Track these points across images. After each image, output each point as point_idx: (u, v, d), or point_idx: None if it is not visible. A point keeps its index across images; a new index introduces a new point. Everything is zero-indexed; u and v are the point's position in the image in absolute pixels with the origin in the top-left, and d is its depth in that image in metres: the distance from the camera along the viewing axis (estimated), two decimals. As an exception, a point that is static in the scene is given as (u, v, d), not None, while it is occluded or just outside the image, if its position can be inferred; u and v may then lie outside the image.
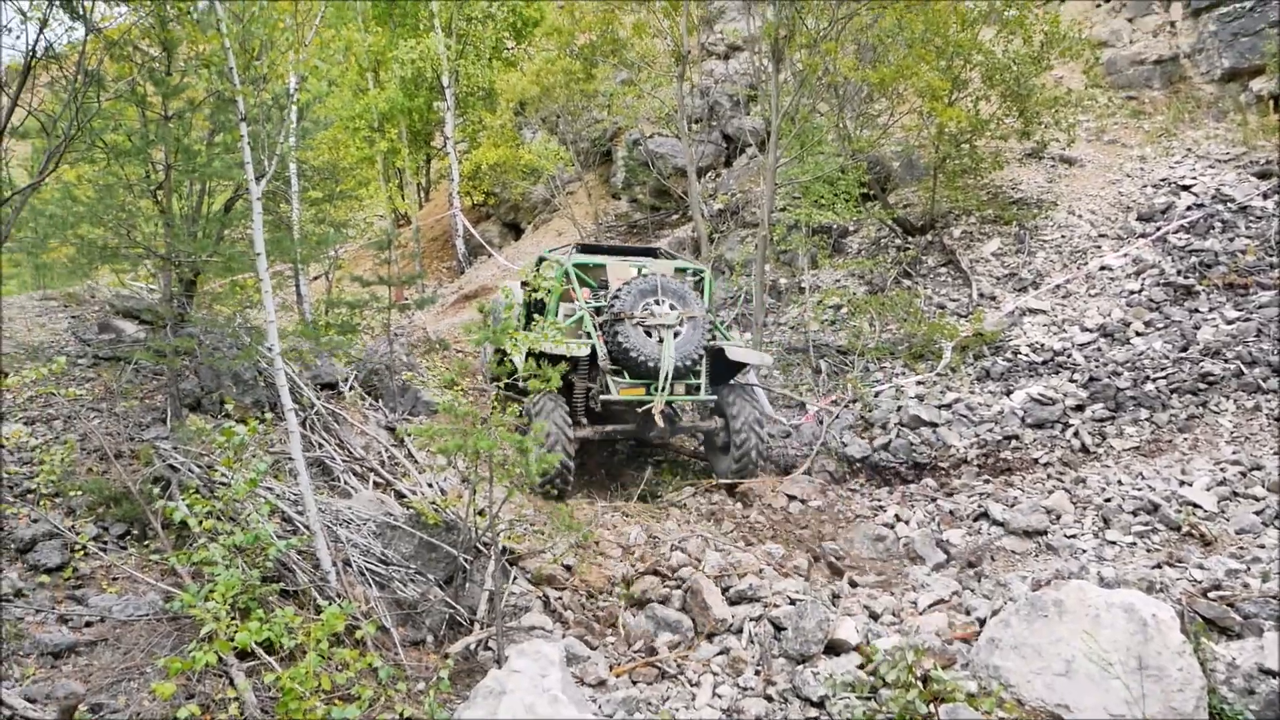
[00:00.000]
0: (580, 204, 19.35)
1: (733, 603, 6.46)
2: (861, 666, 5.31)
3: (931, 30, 12.64)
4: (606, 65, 16.33)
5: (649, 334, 8.71)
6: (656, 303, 8.83)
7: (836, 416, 10.50)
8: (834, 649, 5.67)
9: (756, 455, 9.18)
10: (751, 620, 6.15)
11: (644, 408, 8.69)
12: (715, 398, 9.22)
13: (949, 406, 10.30)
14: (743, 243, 14.40)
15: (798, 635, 5.71)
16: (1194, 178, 13.43)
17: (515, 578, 6.51)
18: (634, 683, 5.62)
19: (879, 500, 9.11)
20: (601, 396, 8.68)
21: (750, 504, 8.87)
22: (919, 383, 10.85)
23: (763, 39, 12.86)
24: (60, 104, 5.46)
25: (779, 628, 5.92)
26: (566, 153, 18.04)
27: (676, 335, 8.79)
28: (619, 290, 8.88)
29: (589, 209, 18.67)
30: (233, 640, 4.43)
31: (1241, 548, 7.13)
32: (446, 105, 19.44)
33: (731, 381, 9.71)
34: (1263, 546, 7.04)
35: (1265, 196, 12.58)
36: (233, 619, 4.61)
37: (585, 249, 9.92)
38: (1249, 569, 6.31)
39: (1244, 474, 8.23)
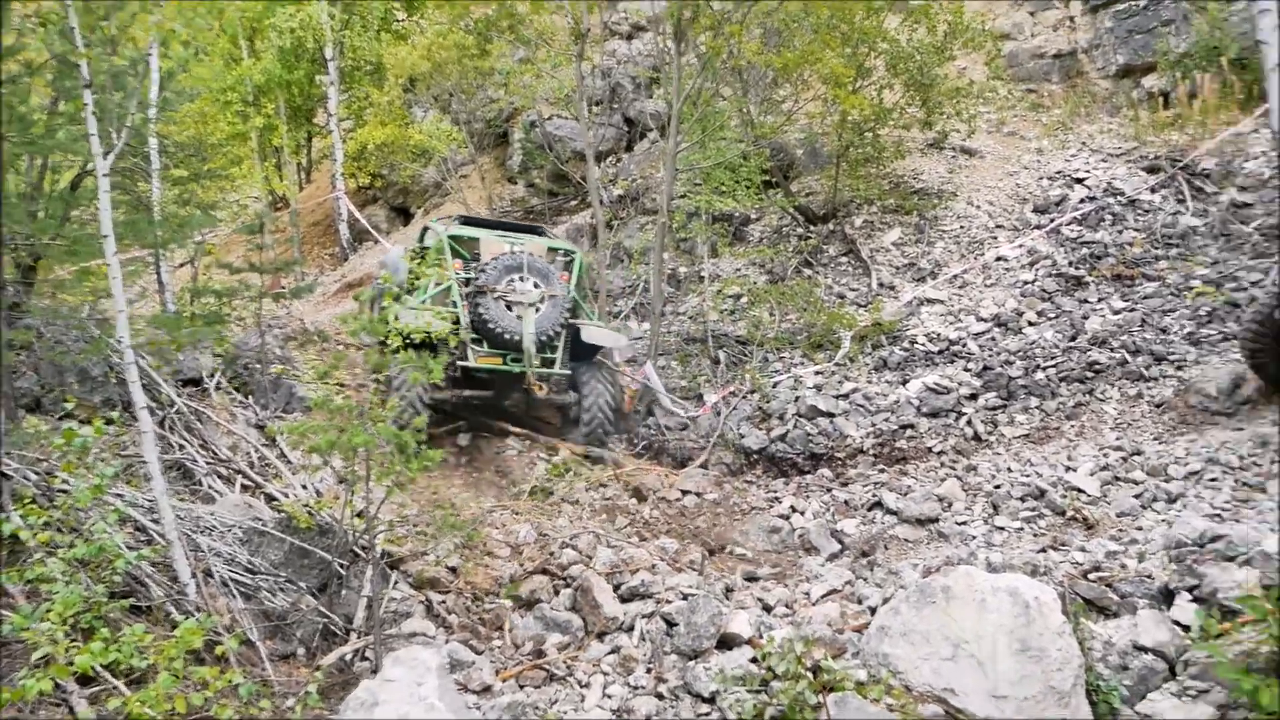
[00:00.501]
0: (474, 188, 19.04)
1: (625, 600, 6.43)
2: (754, 660, 5.34)
3: (837, 17, 12.81)
4: (502, 41, 16.08)
5: (509, 308, 9.51)
6: (520, 279, 9.60)
7: (734, 408, 10.59)
8: (727, 643, 5.70)
9: (602, 431, 9.97)
10: (643, 617, 6.14)
11: (521, 380, 9.58)
12: (569, 373, 10.01)
13: (846, 396, 10.50)
14: (642, 230, 14.40)
15: (690, 631, 5.71)
16: (1087, 171, 13.98)
17: (396, 582, 6.35)
18: (521, 686, 5.54)
19: (775, 492, 9.23)
20: (460, 363, 9.34)
21: (645, 499, 8.88)
22: (817, 373, 11.02)
23: (666, 19, 12.83)
24: None
25: (671, 624, 5.91)
26: (459, 133, 17.72)
27: (537, 311, 9.60)
28: (485, 265, 9.67)
29: (483, 193, 18.40)
30: (72, 664, 4.16)
31: (1121, 530, 7.47)
32: (330, 79, 18.81)
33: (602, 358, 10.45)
34: (1140, 528, 7.40)
35: (1153, 191, 13.18)
36: (73, 640, 4.33)
37: (467, 221, 10.66)
38: (1127, 550, 6.63)
39: (1125, 459, 8.63)
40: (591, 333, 9.99)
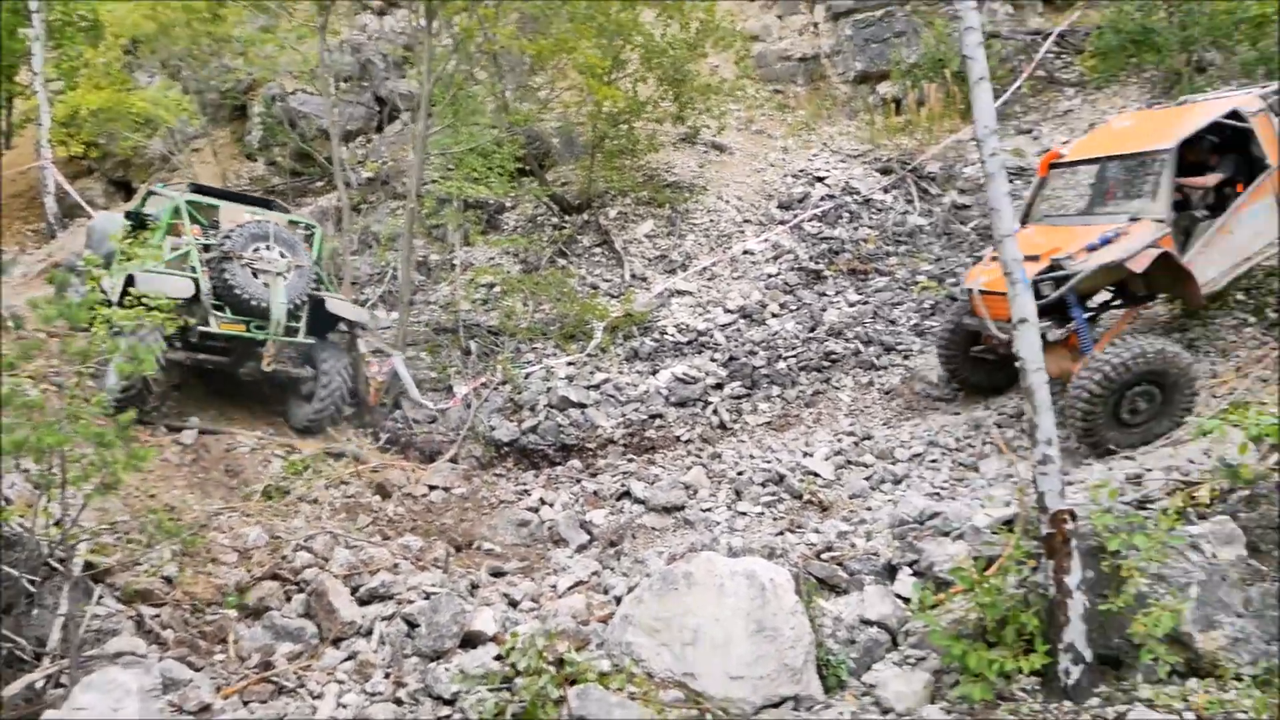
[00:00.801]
0: (207, 163, 17.79)
1: (363, 602, 6.28)
2: (498, 657, 5.33)
3: (594, 7, 12.99)
4: (238, 6, 15.12)
5: (255, 275, 9.51)
6: (267, 248, 9.62)
7: (485, 400, 10.55)
8: (471, 642, 5.68)
9: (336, 410, 10.01)
10: (383, 619, 6.03)
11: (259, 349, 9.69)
12: (312, 342, 10.05)
13: (598, 387, 10.72)
14: (392, 215, 14.03)
15: (431, 631, 5.66)
16: (828, 170, 14.97)
17: (100, 597, 5.84)
18: (245, 703, 5.28)
19: (525, 484, 9.30)
20: (200, 328, 9.20)
21: (390, 495, 8.69)
22: (570, 363, 11.18)
23: (417, -5, 12.56)
24: None
25: (413, 625, 5.83)
26: (190, 103, 16.49)
27: (284, 280, 9.68)
28: (230, 231, 9.60)
29: (217, 169, 17.25)
30: None
31: (852, 511, 8.08)
32: (34, 33, 16.95)
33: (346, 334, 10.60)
34: (869, 509, 8.03)
35: (885, 191, 14.32)
36: None
37: (198, 189, 10.57)
38: (856, 530, 7.14)
39: (857, 444, 9.35)
40: (336, 304, 10.09)
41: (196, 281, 9.26)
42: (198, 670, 5.53)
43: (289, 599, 6.41)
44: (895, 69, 16.48)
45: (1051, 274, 8.01)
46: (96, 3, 17.32)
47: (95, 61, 16.86)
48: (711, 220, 13.97)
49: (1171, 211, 8.13)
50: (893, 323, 11.36)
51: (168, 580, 6.26)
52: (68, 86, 18.29)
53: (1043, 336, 8.01)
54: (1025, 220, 9.30)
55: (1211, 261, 8.32)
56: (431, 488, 8.97)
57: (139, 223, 10.18)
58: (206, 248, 9.65)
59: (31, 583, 5.41)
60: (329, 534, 7.24)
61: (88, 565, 5.92)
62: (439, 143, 12.65)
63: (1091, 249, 8.04)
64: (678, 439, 10.00)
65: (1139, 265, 7.85)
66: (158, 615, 5.95)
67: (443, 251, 13.58)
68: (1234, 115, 8.40)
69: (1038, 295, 7.86)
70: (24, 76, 19.84)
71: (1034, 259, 8.10)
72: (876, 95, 16.94)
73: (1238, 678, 4.59)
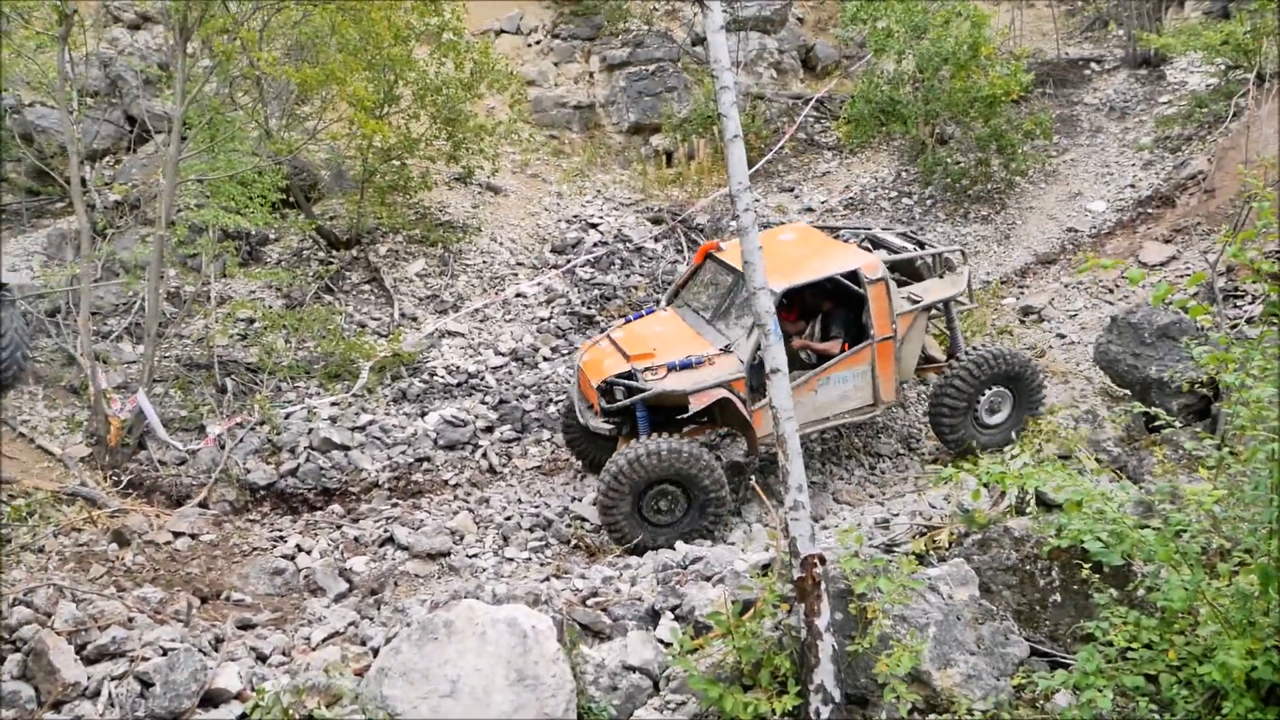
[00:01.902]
0: (-75, 176, 16.16)
1: (90, 661, 5.84)
2: (243, 716, 5.18)
3: (366, 40, 12.86)
4: (-39, 9, 13.86)
5: None
6: None
7: (241, 440, 10.10)
8: (212, 700, 5.42)
9: (16, 371, 10.10)
10: (113, 679, 5.62)
11: None
12: None
13: (363, 429, 10.52)
14: (141, 241, 13.20)
15: (167, 690, 5.36)
16: (601, 217, 15.46)
17: None
18: (-52, 778, 4.82)
19: (281, 530, 8.95)
20: None
21: (129, 543, 8.15)
22: (334, 404, 10.90)
23: (172, 14, 11.97)
24: None
25: (147, 684, 5.50)
26: (-97, 110, 14.93)
27: None
28: None
29: (-65, 185, 15.68)
30: None
31: (619, 555, 8.30)
32: None
33: None
34: (637, 555, 8.27)
35: (656, 240, 14.94)
36: None
37: None
38: (621, 575, 7.26)
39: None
40: None
41: None
42: (-112, 744, 5.00)
43: (2, 660, 5.88)
44: (667, 122, 17.28)
45: (624, 382, 8.61)
46: None
47: None
48: (485, 261, 14.08)
49: (754, 355, 8.42)
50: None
51: None
52: None
53: (612, 435, 8.95)
54: (671, 300, 10.01)
55: None
56: (177, 534, 8.48)
57: None
58: None
59: None
60: (54, 587, 6.68)
61: None
62: (194, 168, 12.05)
63: (671, 368, 8.57)
64: (445, 483, 9.95)
65: (697, 403, 8.39)
66: None
67: (197, 283, 12.93)
68: (853, 276, 8.71)
69: (610, 398, 8.69)
70: None
71: (625, 357, 8.83)
72: (649, 146, 17.67)
73: (970, 712, 4.83)
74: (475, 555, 8.55)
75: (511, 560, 8.47)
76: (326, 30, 12.65)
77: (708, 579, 6.44)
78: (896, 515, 7.66)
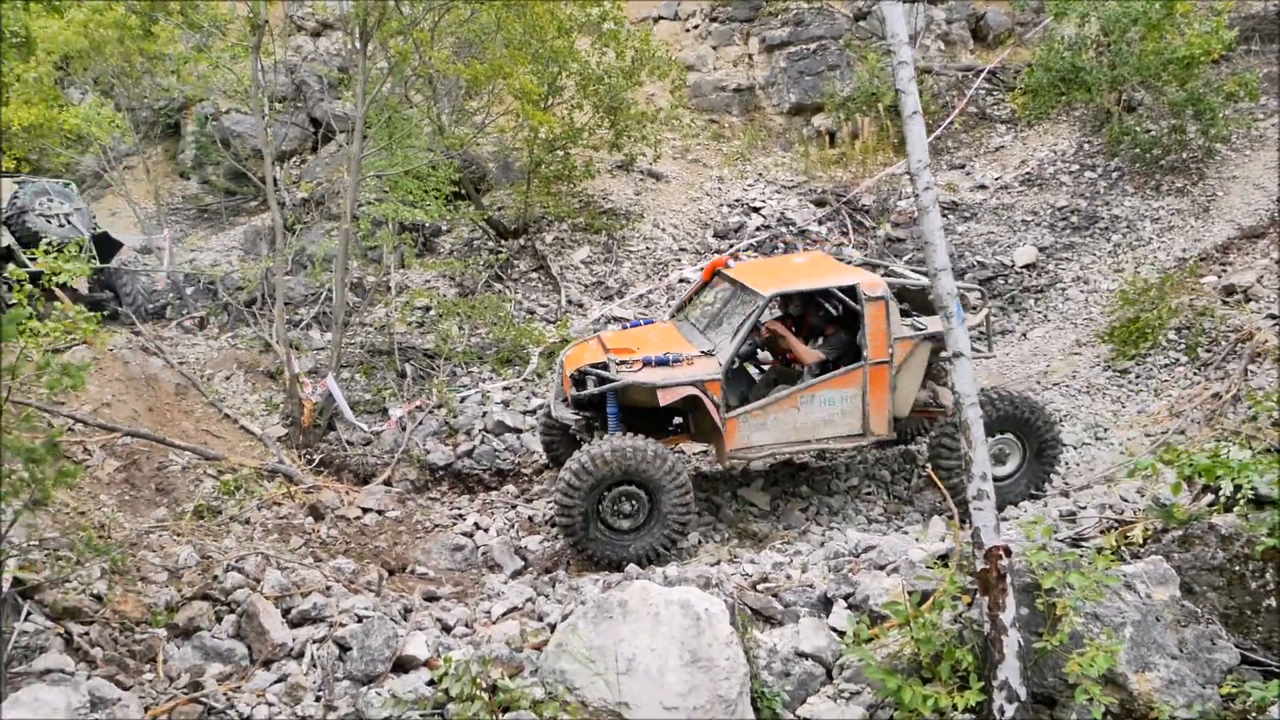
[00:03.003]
0: (139, 181, 17.70)
1: (294, 624, 6.32)
2: (431, 682, 5.41)
3: (530, 34, 13.27)
4: (171, 25, 15.09)
5: (49, 221, 11.99)
6: (49, 198, 12.33)
7: (420, 423, 10.66)
8: (403, 666, 5.73)
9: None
10: (314, 642, 6.05)
11: None
12: (111, 265, 12.19)
13: (534, 413, 10.88)
14: (327, 236, 14.07)
15: (363, 655, 5.71)
16: (763, 201, 15.41)
17: (28, 614, 5.87)
18: (173, 723, 5.34)
19: (459, 509, 9.38)
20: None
21: (323, 517, 8.75)
22: (505, 388, 11.34)
23: (352, 20, 12.69)
24: None
25: (344, 648, 5.88)
26: (123, 121, 16.41)
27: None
28: (15, 194, 11.97)
29: (149, 186, 17.15)
30: None
31: (787, 542, 8.31)
32: (-36, 49, 16.78)
33: None
34: (806, 541, 8.28)
35: (820, 223, 14.80)
36: None
37: None
38: (791, 561, 7.27)
39: (793, 475, 9.59)
40: (111, 236, 12.80)
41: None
42: (126, 689, 5.55)
43: (219, 620, 6.43)
44: (829, 102, 17.03)
45: (597, 371, 8.25)
46: (29, 19, 17.16)
47: (26, 77, 16.69)
48: (648, 247, 14.28)
49: (735, 358, 8.26)
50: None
51: (97, 598, 6.29)
52: None
53: (580, 430, 8.57)
54: (675, 314, 9.79)
55: (764, 427, 8.21)
56: (365, 510, 9.04)
57: None
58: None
59: (-41, 599, 5.44)
60: (261, 555, 7.29)
61: (16, 581, 5.95)
62: (374, 165, 12.76)
63: (647, 363, 8.22)
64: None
65: (665, 398, 8.00)
66: (86, 633, 5.97)
67: (378, 273, 13.69)
68: (851, 291, 8.27)
69: (582, 388, 8.33)
70: (-50, 91, 19.58)
71: (605, 351, 8.51)
72: (811, 127, 17.48)
73: (1172, 720, 4.57)
74: (647, 538, 8.70)
75: (682, 547, 8.58)
76: (492, 26, 13.11)
77: (881, 568, 6.36)
78: (1084, 508, 7.30)
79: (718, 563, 7.69)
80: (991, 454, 8.18)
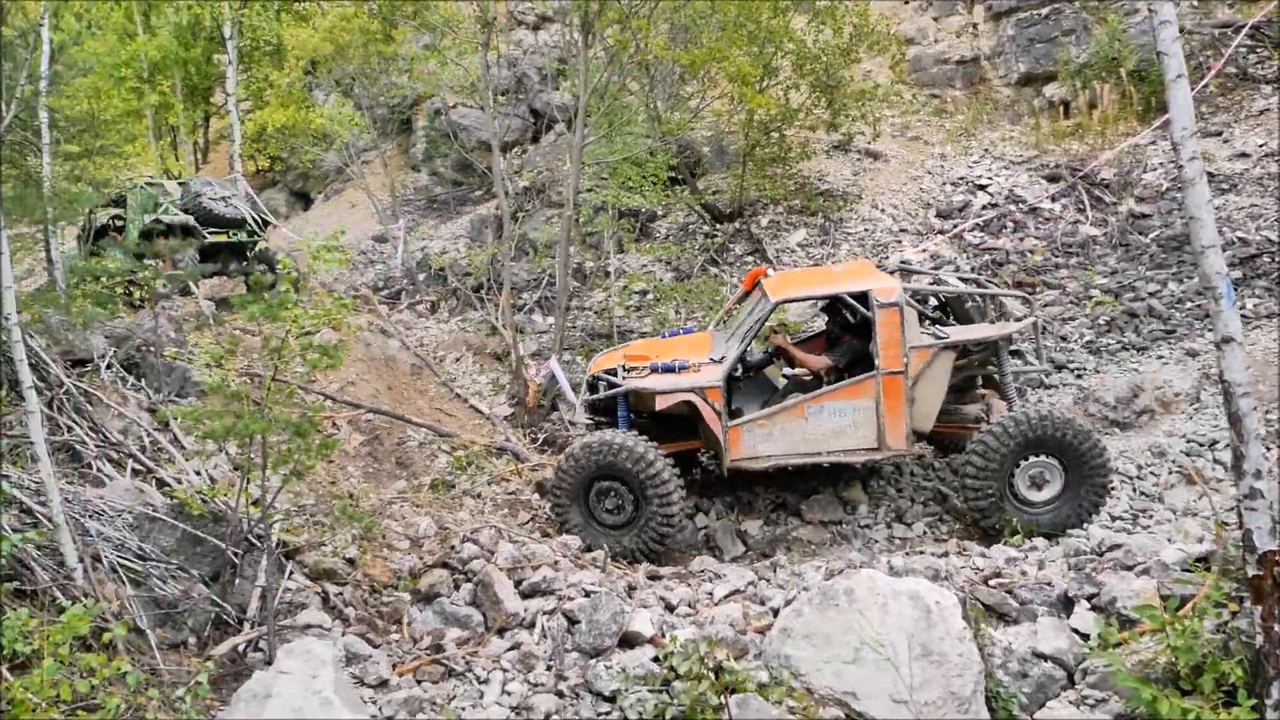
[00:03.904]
0: (376, 174, 18.94)
1: (526, 596, 6.55)
2: (656, 659, 5.49)
3: (744, 15, 13.20)
4: (407, 27, 16.05)
5: (223, 203, 13.80)
6: (216, 187, 14.25)
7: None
8: (629, 642, 5.85)
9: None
10: (545, 614, 6.26)
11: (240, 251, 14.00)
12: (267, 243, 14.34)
13: (753, 396, 10.84)
14: (548, 223, 14.57)
15: (592, 628, 5.86)
16: (990, 178, 14.70)
17: (291, 572, 6.40)
18: (418, 681, 5.63)
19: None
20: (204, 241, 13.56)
21: (548, 494, 9.05)
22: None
23: (573, 11, 13.05)
24: None
25: (573, 621, 6.07)
26: (362, 119, 17.61)
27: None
28: (193, 188, 13.68)
29: (385, 180, 18.31)
30: (-49, 649, 4.17)
31: (1018, 536, 7.90)
32: (228, 59, 18.53)
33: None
34: (1041, 536, 7.84)
35: (1053, 199, 13.94)
36: (-48, 623, 4.34)
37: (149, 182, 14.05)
38: (1026, 557, 6.95)
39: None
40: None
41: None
42: (375, 647, 5.95)
43: (457, 587, 6.76)
44: (1063, 69, 15.99)
45: (607, 377, 8.37)
46: (280, 29, 18.75)
47: (279, 82, 18.24)
48: (866, 229, 13.94)
49: (739, 365, 8.12)
50: (1063, 339, 11.06)
51: (349, 561, 6.77)
52: (255, 105, 19.89)
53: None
54: (717, 324, 9.68)
55: (770, 437, 7.96)
56: (591, 489, 9.28)
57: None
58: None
59: (235, 555, 5.99)
60: (494, 528, 7.63)
61: (280, 543, 6.49)
62: (594, 152, 13.09)
63: (654, 369, 8.16)
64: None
65: (660, 403, 7.94)
66: (340, 593, 6.44)
67: (597, 258, 14.02)
68: (863, 297, 7.86)
69: (595, 393, 8.53)
70: (218, 97, 21.69)
71: (624, 358, 8.58)
72: (1042, 98, 16.48)
73: None
74: (867, 525, 8.53)
75: (905, 534, 8.35)
76: (707, 10, 13.12)
77: (1129, 568, 5.96)
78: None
79: (945, 554, 7.40)
80: (1029, 476, 7.70)
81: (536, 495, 9.07)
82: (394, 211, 17.58)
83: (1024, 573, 6.45)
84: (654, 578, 7.45)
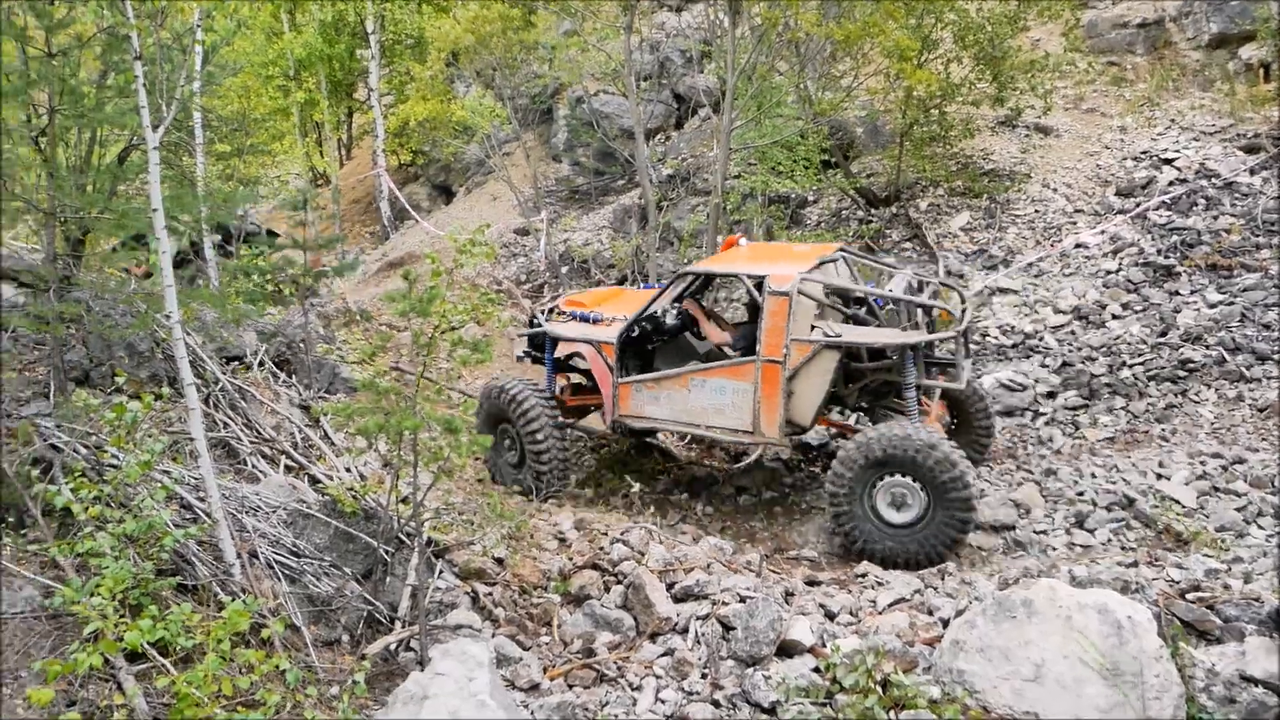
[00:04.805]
0: (517, 166, 19.24)
1: (678, 600, 6.46)
2: (817, 670, 5.34)
3: (902, -16, 12.77)
4: (548, 13, 16.21)
5: None
6: None
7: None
8: (787, 651, 5.69)
9: None
10: (698, 619, 6.15)
11: None
12: None
13: (914, 392, 10.49)
14: (693, 212, 14.45)
15: (748, 635, 5.71)
16: (1177, 151, 13.80)
17: (441, 572, 6.48)
18: (570, 686, 5.61)
19: (834, 491, 9.22)
20: None
21: (698, 495, 8.95)
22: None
23: (720, -11, 12.90)
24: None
25: (728, 627, 5.93)
26: (503, 110, 17.91)
27: None
28: None
29: (527, 171, 18.57)
30: (121, 640, 4.33)
31: (1222, 546, 7.35)
32: (371, 53, 19.17)
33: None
34: (1245, 546, 7.28)
35: (1252, 173, 12.96)
36: (121, 617, 4.50)
37: None
38: (1230, 569, 6.45)
39: (1225, 468, 8.49)
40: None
41: None
42: (526, 649, 5.96)
43: (608, 589, 6.72)
44: (1263, 28, 14.83)
45: (537, 316, 9.45)
46: (422, 21, 19.28)
47: (421, 76, 18.75)
48: (1037, 211, 13.28)
49: (635, 325, 8.58)
50: (1266, 327, 10.24)
51: (498, 561, 6.81)
52: (398, 100, 20.54)
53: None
54: None
55: (655, 400, 8.38)
56: (739, 489, 9.15)
57: None
58: None
59: (387, 553, 6.09)
60: (643, 529, 7.57)
61: (430, 541, 6.58)
62: (741, 137, 12.91)
63: (573, 317, 8.99)
64: (1005, 451, 9.56)
65: (561, 350, 8.92)
66: (490, 593, 6.48)
67: (745, 248, 13.82)
68: (759, 283, 7.97)
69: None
70: (360, 93, 22.52)
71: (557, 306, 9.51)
72: (1238, 60, 15.34)
73: None
74: (1043, 531, 8.07)
75: (1087, 541, 7.87)
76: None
77: (1350, 584, 5.47)
78: None
79: (1135, 564, 6.93)
80: (890, 494, 7.59)
81: (686, 495, 8.99)
82: (536, 203, 17.82)
83: (1227, 586, 5.97)
84: (812, 583, 7.25)
